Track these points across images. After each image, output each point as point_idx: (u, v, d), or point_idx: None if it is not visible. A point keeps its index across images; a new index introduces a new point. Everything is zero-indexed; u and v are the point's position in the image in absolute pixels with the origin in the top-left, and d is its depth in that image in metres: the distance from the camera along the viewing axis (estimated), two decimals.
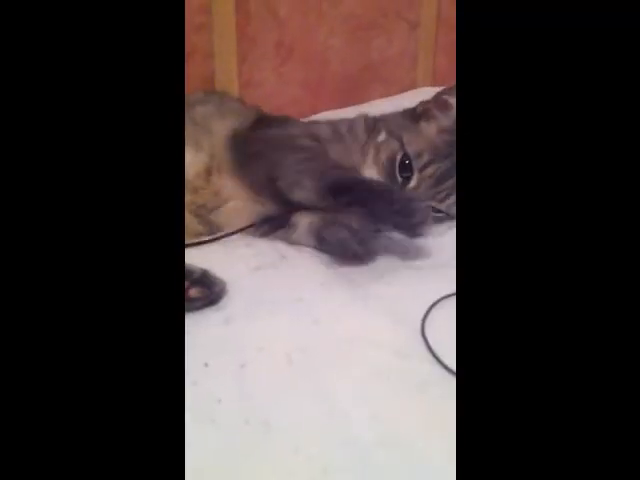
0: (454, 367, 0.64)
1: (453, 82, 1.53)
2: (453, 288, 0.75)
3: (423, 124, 0.99)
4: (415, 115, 1.00)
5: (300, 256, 0.88)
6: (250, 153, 0.95)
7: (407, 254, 0.88)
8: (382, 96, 1.50)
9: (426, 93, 1.47)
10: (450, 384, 0.61)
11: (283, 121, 1.07)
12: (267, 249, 0.90)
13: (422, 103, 1.01)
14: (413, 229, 0.82)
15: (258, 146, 0.95)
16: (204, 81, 1.30)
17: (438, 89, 1.52)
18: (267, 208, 0.94)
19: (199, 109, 1.03)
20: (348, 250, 0.84)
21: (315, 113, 1.42)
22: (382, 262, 0.85)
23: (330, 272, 0.83)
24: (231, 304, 0.75)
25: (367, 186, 0.86)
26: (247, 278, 0.80)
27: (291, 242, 0.92)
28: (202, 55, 1.28)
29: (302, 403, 0.61)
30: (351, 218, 0.86)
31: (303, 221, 0.92)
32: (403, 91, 1.53)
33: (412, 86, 1.55)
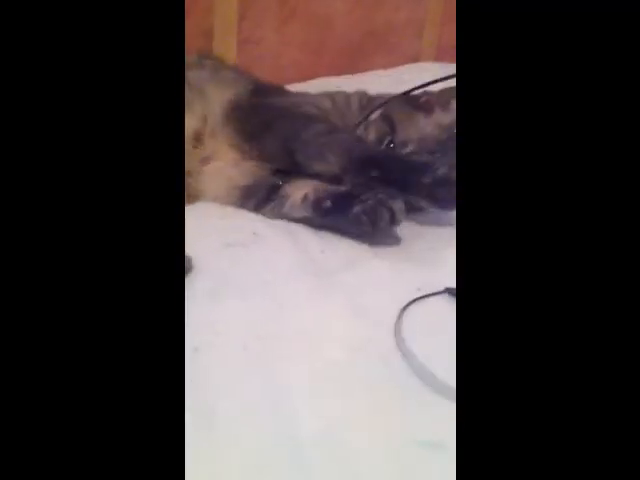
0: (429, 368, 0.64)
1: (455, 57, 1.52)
2: (424, 284, 0.77)
3: (420, 115, 0.98)
4: (416, 104, 0.99)
5: (274, 235, 0.87)
6: (259, 123, 0.94)
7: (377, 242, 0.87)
8: (385, 65, 1.47)
9: (428, 69, 1.46)
10: (402, 385, 0.62)
11: (280, 91, 1.06)
12: (241, 224, 0.89)
13: (426, 94, 1.00)
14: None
15: (267, 115, 0.95)
16: (203, 36, 1.28)
17: (440, 64, 1.52)
18: (255, 177, 0.94)
19: (194, 72, 1.01)
20: (359, 225, 0.84)
21: (314, 78, 1.39)
22: (353, 250, 0.85)
23: (299, 256, 0.82)
24: (194, 282, 0.73)
25: (399, 160, 0.88)
26: (214, 256, 0.79)
27: (281, 215, 0.91)
28: (202, 10, 1.25)
29: (250, 394, 0.61)
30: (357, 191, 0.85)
31: (297, 193, 0.91)
32: (407, 61, 1.50)
33: (416, 57, 1.53)
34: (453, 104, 0.95)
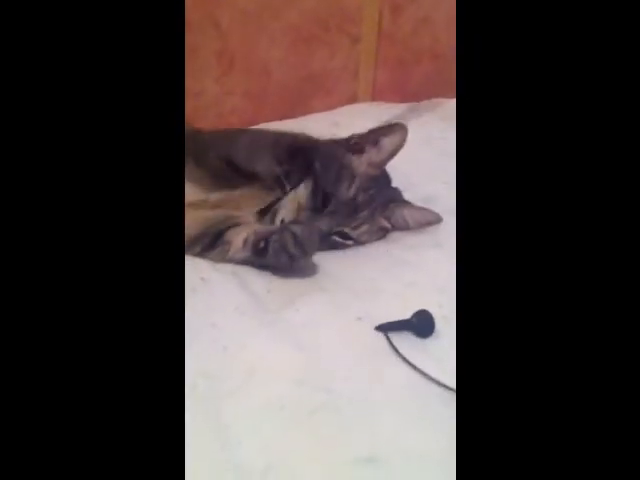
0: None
1: (392, 96, 1.58)
2: (365, 314, 0.81)
3: (353, 157, 1.02)
4: (347, 147, 1.04)
5: (220, 278, 0.90)
6: (206, 147, 1.00)
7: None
8: (323, 108, 1.52)
9: (364, 110, 1.52)
10: (344, 411, 0.67)
11: None
12: (189, 269, 0.91)
13: (355, 137, 1.04)
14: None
15: (212, 141, 1.03)
16: None
17: (376, 104, 1.57)
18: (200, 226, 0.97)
19: None
20: (289, 256, 0.88)
21: (256, 124, 1.43)
22: (295, 286, 0.88)
23: (245, 296, 0.86)
24: None
25: (319, 148, 0.98)
26: None
27: (226, 260, 0.94)
28: None
29: (198, 430, 0.63)
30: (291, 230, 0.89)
31: (237, 238, 0.95)
32: (344, 103, 1.55)
33: (353, 98, 1.58)
34: (382, 142, 1.00)
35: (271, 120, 1.46)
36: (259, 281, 0.89)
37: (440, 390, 0.69)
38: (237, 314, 0.82)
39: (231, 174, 0.96)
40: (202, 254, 0.95)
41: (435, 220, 1.03)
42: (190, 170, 0.97)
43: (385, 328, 0.79)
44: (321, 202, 0.96)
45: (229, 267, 0.93)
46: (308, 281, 0.90)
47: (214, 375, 0.71)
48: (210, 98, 1.42)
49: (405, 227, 1.04)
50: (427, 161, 1.20)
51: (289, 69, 1.49)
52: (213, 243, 0.95)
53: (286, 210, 0.95)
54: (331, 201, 0.97)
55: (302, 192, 0.97)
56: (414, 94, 1.57)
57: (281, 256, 0.88)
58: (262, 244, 0.91)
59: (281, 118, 1.47)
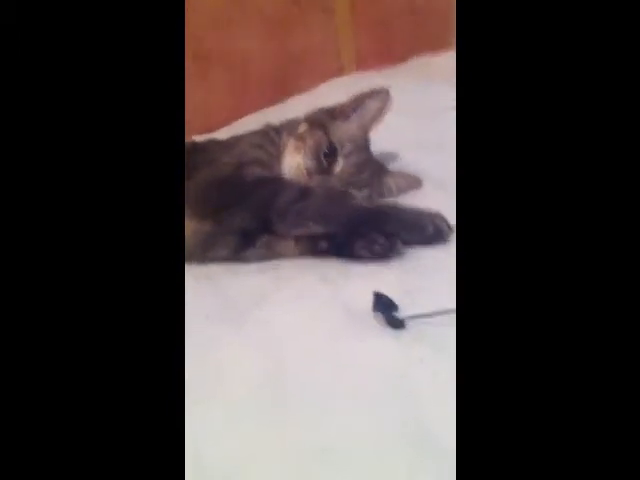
0: None
1: (377, 61, 1.55)
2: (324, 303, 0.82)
3: (340, 122, 1.04)
4: (333, 114, 1.06)
5: (194, 284, 0.91)
6: (226, 201, 0.95)
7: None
8: (310, 86, 1.51)
9: (345, 83, 1.50)
10: (301, 411, 0.67)
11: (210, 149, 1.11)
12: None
13: (339, 105, 1.08)
14: (429, 241, 0.86)
15: (233, 192, 0.95)
16: None
17: (358, 75, 1.55)
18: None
19: None
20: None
21: (245, 115, 1.44)
22: (265, 285, 0.89)
23: (216, 301, 0.87)
24: None
25: (383, 212, 0.89)
26: None
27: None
28: None
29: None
30: None
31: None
32: (330, 77, 1.54)
33: (339, 71, 1.56)
34: (366, 107, 1.04)
35: (259, 108, 1.46)
36: (232, 283, 0.90)
37: (403, 379, 0.68)
38: (207, 320, 0.83)
39: (261, 230, 0.94)
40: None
41: (416, 185, 1.03)
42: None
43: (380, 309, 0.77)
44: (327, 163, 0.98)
45: (204, 270, 0.94)
46: (278, 275, 0.91)
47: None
48: (194, 99, 1.43)
49: (390, 195, 1.04)
50: (406, 127, 1.18)
51: (268, 55, 1.49)
52: None
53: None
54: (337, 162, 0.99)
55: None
56: (399, 54, 1.54)
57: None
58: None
59: (269, 104, 1.47)
